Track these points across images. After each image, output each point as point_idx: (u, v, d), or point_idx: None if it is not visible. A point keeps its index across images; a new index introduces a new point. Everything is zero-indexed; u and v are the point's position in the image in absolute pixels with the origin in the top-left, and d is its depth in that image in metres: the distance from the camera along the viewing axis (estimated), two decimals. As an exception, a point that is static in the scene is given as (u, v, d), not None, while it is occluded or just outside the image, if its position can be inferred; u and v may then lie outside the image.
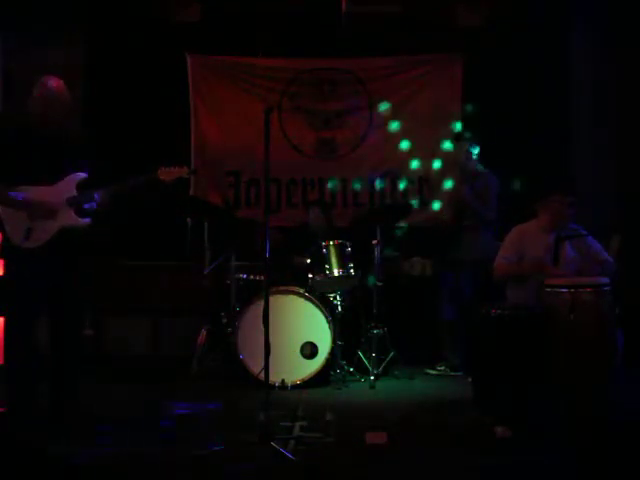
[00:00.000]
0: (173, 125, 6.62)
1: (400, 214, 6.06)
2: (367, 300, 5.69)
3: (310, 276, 5.48)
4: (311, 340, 5.28)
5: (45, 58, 6.11)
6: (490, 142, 5.89)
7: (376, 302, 5.62)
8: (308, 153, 6.86)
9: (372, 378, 5.37)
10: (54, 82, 4.06)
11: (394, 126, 6.80)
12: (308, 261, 5.55)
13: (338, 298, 5.59)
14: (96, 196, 4.06)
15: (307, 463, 3.47)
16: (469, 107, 6.67)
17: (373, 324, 5.59)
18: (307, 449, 3.70)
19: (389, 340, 5.65)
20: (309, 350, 5.27)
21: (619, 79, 6.36)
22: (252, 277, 5.72)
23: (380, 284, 5.64)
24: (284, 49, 6.74)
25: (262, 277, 5.53)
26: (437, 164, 6.76)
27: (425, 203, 6.75)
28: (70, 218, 4.04)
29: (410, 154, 6.78)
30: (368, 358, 5.55)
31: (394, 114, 6.80)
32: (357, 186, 6.82)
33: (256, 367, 4.99)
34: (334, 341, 5.31)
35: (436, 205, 6.72)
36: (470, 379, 4.73)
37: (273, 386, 4.88)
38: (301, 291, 5.35)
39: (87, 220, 4.09)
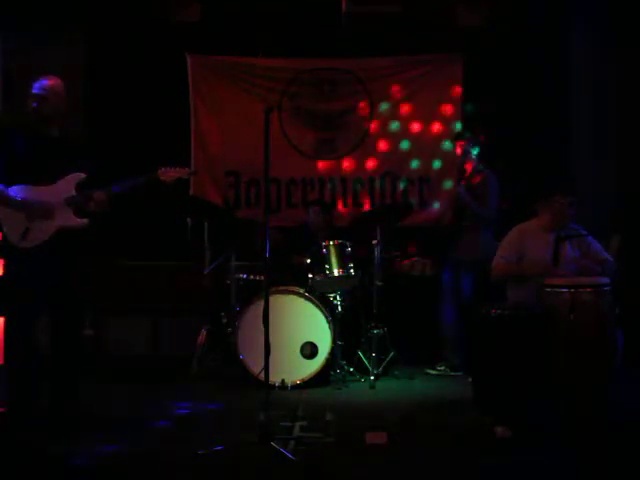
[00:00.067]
0: (173, 125, 6.63)
1: (400, 214, 6.06)
2: (367, 300, 5.68)
3: (310, 276, 5.47)
4: (311, 340, 5.28)
5: (45, 58, 6.09)
6: (490, 142, 5.89)
7: (376, 302, 5.61)
8: (308, 153, 6.86)
9: (372, 378, 5.36)
10: (48, 80, 4.06)
11: (394, 126, 6.81)
12: (308, 261, 5.54)
13: (338, 298, 5.59)
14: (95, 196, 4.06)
15: (307, 463, 3.47)
16: (469, 107, 6.67)
17: (373, 324, 5.59)
18: (307, 449, 3.70)
19: (389, 340, 5.65)
20: (309, 350, 5.27)
21: (619, 79, 6.36)
22: (252, 277, 5.72)
23: (380, 284, 5.64)
24: (284, 49, 6.73)
25: (262, 277, 5.52)
26: (437, 164, 6.77)
27: (425, 203, 6.75)
28: (69, 218, 4.05)
29: (410, 154, 6.79)
30: (368, 358, 5.54)
31: (394, 114, 6.81)
32: (357, 186, 6.83)
33: (256, 367, 4.99)
34: (334, 341, 5.30)
35: (436, 205, 6.73)
36: (470, 379, 4.72)
37: (273, 386, 4.88)
38: (301, 291, 5.35)
39: (86, 220, 4.10)
